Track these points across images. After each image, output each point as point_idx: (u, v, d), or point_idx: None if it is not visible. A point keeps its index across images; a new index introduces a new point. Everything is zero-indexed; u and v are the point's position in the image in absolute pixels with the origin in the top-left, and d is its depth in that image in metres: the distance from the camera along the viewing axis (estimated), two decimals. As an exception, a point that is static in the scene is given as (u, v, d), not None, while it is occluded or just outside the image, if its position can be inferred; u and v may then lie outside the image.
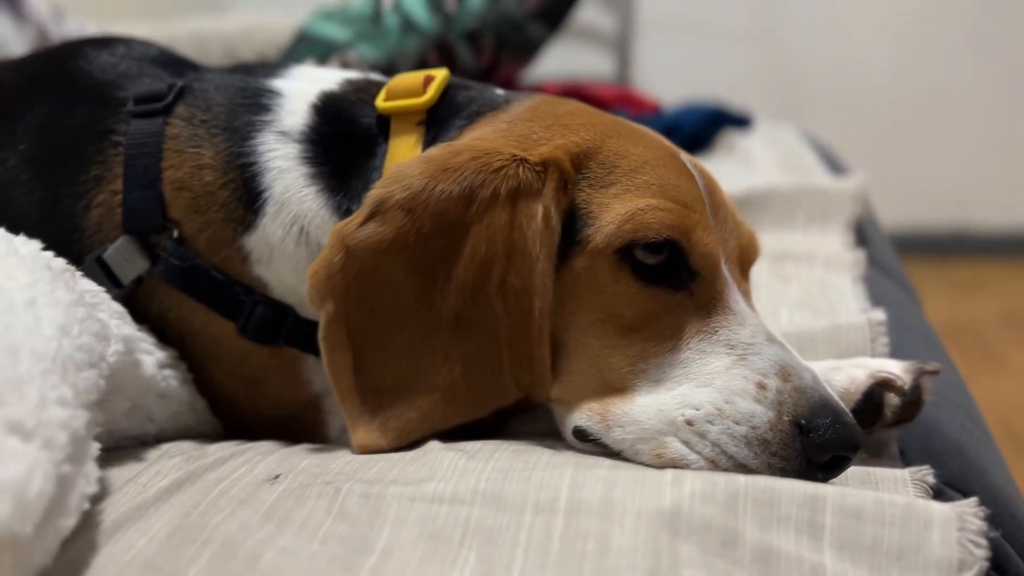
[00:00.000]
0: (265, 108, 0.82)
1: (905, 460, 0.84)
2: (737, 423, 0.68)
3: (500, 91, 0.86)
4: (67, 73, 0.87)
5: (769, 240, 1.29)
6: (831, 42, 4.26)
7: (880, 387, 0.77)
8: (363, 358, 0.74)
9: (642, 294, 0.73)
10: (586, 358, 0.74)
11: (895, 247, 1.68)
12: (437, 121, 0.81)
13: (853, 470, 0.74)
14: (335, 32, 1.95)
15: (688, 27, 4.17)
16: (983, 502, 0.83)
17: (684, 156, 0.80)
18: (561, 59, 3.91)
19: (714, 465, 0.68)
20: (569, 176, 0.74)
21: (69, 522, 0.56)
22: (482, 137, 0.76)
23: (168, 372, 0.79)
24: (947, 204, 4.36)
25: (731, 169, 1.87)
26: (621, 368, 0.72)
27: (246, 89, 0.84)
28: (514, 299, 0.72)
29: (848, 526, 0.59)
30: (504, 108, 0.81)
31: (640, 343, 0.73)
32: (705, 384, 0.71)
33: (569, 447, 0.74)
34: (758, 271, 1.17)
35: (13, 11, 2.46)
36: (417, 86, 0.81)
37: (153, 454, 0.76)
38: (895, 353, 1.01)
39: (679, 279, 0.74)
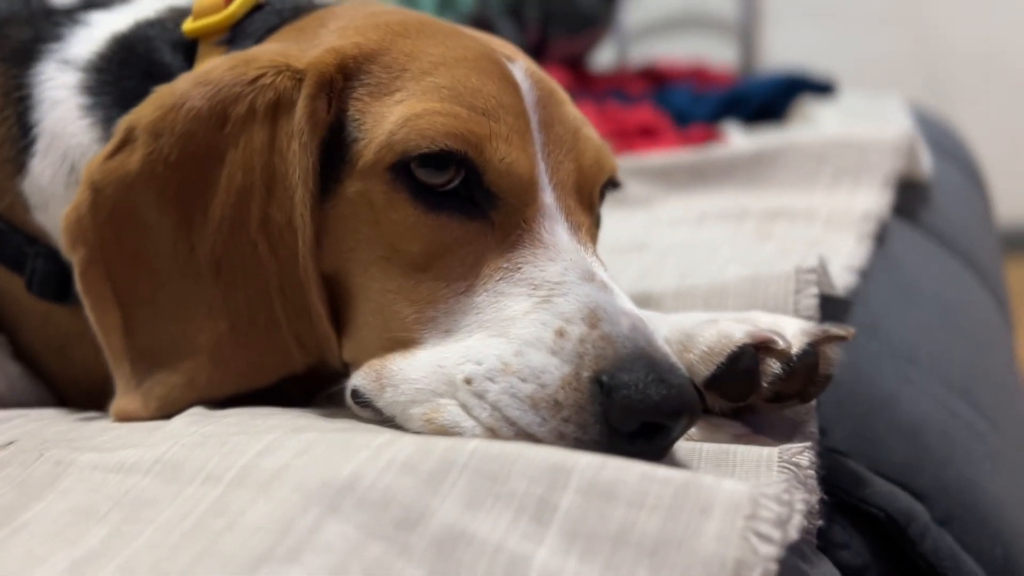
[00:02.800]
0: (57, 37, 0.73)
1: (830, 442, 0.66)
2: (524, 380, 0.53)
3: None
4: None
5: (772, 200, 1.10)
6: (982, 20, 3.81)
7: (758, 349, 0.59)
8: (132, 316, 0.63)
9: (425, 222, 0.58)
10: (370, 307, 0.60)
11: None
12: (239, 39, 0.70)
13: (708, 448, 0.57)
14: (372, 16, 1.88)
15: (819, 9, 3.85)
16: (935, 499, 0.64)
17: (520, 63, 0.65)
18: (681, 48, 3.73)
19: (493, 433, 0.53)
20: (334, 84, 0.60)
21: None
22: (257, 48, 0.64)
23: (-38, 335, 0.71)
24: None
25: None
26: (407, 316, 0.59)
27: (53, 21, 0.75)
28: (279, 238, 0.60)
29: (592, 508, 0.43)
30: (307, 16, 0.69)
31: (429, 285, 0.59)
32: (498, 333, 0.56)
33: (350, 415, 0.61)
34: (739, 232, 0.99)
35: None
36: (219, 3, 0.70)
37: (-71, 420, 0.69)
38: (877, 318, 0.82)
39: (475, 205, 0.59)
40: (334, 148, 0.60)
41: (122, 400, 0.63)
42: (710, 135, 1.42)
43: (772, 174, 1.17)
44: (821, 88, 1.92)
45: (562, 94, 0.66)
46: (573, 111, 0.65)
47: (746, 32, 3.79)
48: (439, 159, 0.58)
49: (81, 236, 0.62)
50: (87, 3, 0.80)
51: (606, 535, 0.43)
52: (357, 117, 0.60)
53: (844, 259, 0.90)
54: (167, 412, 0.62)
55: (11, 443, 0.61)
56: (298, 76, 0.60)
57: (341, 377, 0.65)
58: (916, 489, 0.63)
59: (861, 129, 1.29)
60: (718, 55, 3.82)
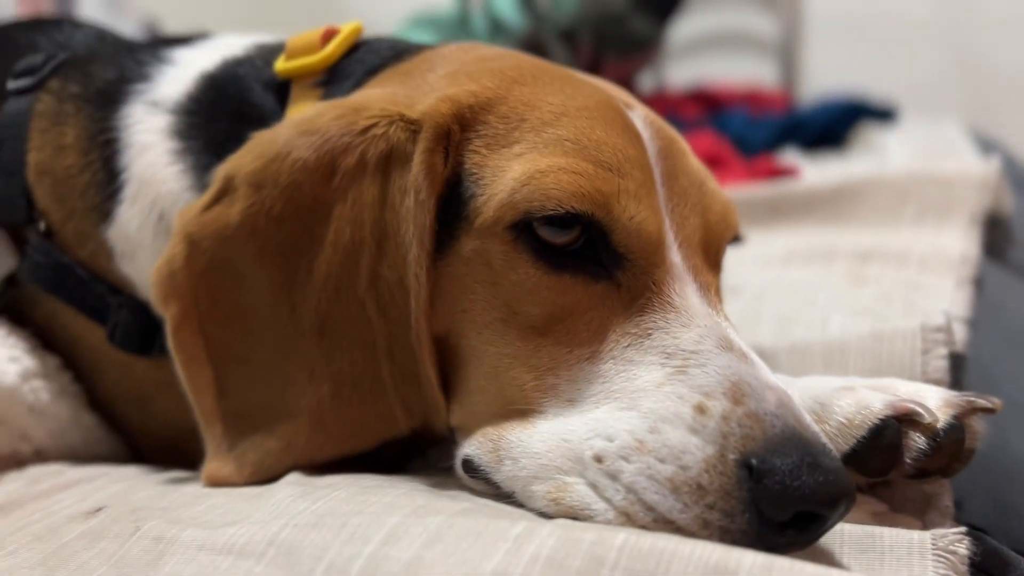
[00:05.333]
0: (144, 77, 0.70)
1: (965, 516, 0.61)
2: (662, 461, 0.49)
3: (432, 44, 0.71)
4: None
5: (859, 238, 1.06)
6: (1028, 39, 3.75)
7: (901, 422, 0.55)
8: (225, 375, 0.60)
9: (547, 283, 0.55)
10: (484, 371, 0.56)
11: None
12: (337, 80, 0.67)
13: (850, 530, 0.52)
14: (424, 38, 1.85)
15: (862, 26, 3.79)
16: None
17: (638, 111, 0.61)
18: (720, 67, 3.69)
19: (627, 518, 0.49)
20: (452, 136, 0.56)
21: None
22: (363, 93, 0.61)
23: (38, 384, 0.68)
24: None
25: (861, 167, 1.62)
26: (525, 383, 0.55)
27: (136, 59, 0.72)
28: (389, 297, 0.56)
29: (765, 619, 0.39)
30: (410, 58, 0.65)
31: (550, 350, 0.55)
32: (628, 406, 0.52)
33: (459, 486, 0.57)
34: (831, 274, 0.95)
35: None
36: (314, 43, 0.67)
37: (8, 477, 0.66)
38: (991, 372, 0.77)
39: (600, 265, 0.55)
40: (449, 203, 0.56)
41: (213, 463, 0.59)
42: (779, 168, 1.38)
43: (853, 209, 1.13)
44: (881, 114, 1.88)
45: (683, 144, 0.62)
46: (696, 163, 0.61)
47: (787, 51, 3.74)
48: (565, 219, 0.54)
49: (174, 291, 0.59)
50: (168, 39, 0.77)
51: (782, 649, 0.39)
52: (474, 171, 0.56)
53: (947, 307, 0.85)
54: (262, 478, 0.58)
55: (100, 509, 0.57)
56: (412, 127, 0.56)
57: (439, 439, 0.61)
58: (1062, 570, 0.59)
59: (944, 163, 1.25)
60: (758, 74, 3.77)
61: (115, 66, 0.72)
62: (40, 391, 0.68)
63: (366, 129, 0.56)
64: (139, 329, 0.67)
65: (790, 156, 1.72)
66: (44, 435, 0.70)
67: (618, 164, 0.55)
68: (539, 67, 0.62)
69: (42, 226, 0.69)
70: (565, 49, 1.84)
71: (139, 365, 0.69)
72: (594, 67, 1.94)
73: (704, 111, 1.96)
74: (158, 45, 0.75)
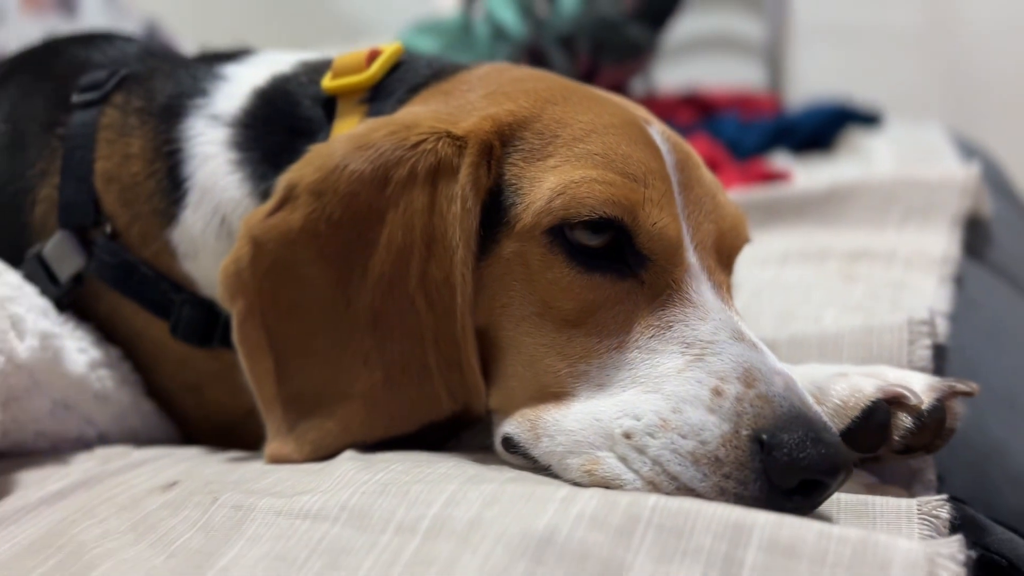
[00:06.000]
0: (202, 92, 0.77)
1: (946, 490, 0.68)
2: (683, 436, 0.56)
3: (465, 63, 0.78)
4: (36, 68, 0.86)
5: (849, 239, 1.13)
6: (1015, 39, 3.83)
7: (890, 403, 0.62)
8: (285, 363, 0.66)
9: (580, 282, 0.62)
10: (521, 359, 0.63)
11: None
12: (381, 97, 0.73)
13: (846, 499, 0.59)
14: (427, 45, 1.92)
15: (847, 31, 3.88)
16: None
17: (656, 127, 0.68)
18: (708, 70, 3.77)
19: (653, 487, 0.56)
20: (493, 150, 0.64)
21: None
22: (410, 111, 0.68)
23: (104, 372, 0.75)
24: None
25: (848, 170, 1.70)
26: (559, 370, 0.62)
27: (192, 74, 0.79)
28: (436, 294, 0.63)
29: (776, 565, 0.46)
30: (448, 78, 0.72)
31: (581, 340, 0.62)
32: (653, 389, 0.59)
33: (499, 461, 0.64)
34: (824, 272, 1.02)
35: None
36: (360, 62, 0.74)
37: (80, 457, 0.73)
38: (972, 363, 0.85)
39: (626, 264, 0.62)
40: (490, 210, 0.63)
41: (274, 443, 0.66)
42: (772, 172, 1.45)
43: (843, 211, 1.20)
44: (867, 119, 1.96)
45: (696, 157, 0.69)
46: (709, 175, 0.68)
47: (773, 54, 3.82)
48: (596, 224, 0.61)
49: (241, 288, 0.65)
50: (215, 55, 0.84)
51: (793, 591, 0.45)
52: (513, 181, 0.63)
53: (930, 303, 0.92)
54: (319, 456, 0.65)
55: (175, 483, 0.64)
56: (458, 143, 0.63)
57: (474, 422, 0.68)
58: (1031, 536, 0.66)
59: (928, 168, 1.32)
60: (745, 77, 3.85)
61: (174, 82, 0.78)
62: (105, 379, 0.75)
63: (416, 144, 0.63)
64: (200, 323, 0.74)
65: (781, 159, 1.79)
66: (107, 419, 0.76)
67: (643, 175, 0.62)
68: (568, 87, 0.69)
69: (108, 228, 0.75)
70: (564, 55, 1.91)
71: (197, 356, 0.75)
72: (591, 72, 2.01)
73: (697, 115, 2.04)
74: (209, 61, 0.82)
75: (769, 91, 3.70)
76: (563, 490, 0.52)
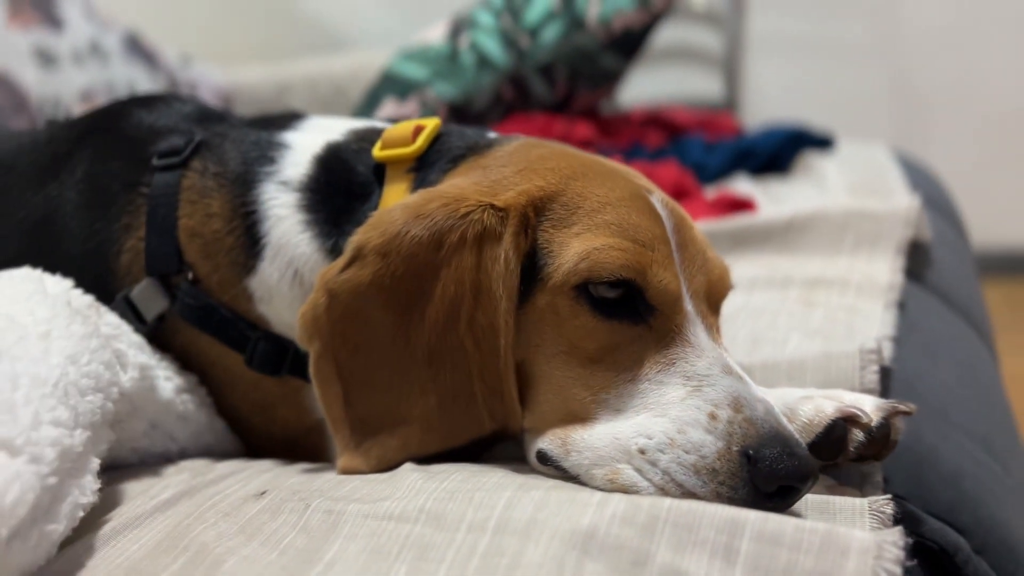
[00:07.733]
0: (270, 160, 0.90)
1: (890, 489, 0.84)
2: (687, 452, 0.71)
3: (491, 134, 0.92)
4: (108, 131, 0.99)
5: (809, 267, 1.29)
6: (956, 53, 4.03)
7: (846, 421, 0.77)
8: (351, 391, 0.80)
9: (601, 327, 0.76)
10: (552, 389, 0.78)
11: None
12: (425, 167, 0.87)
13: (812, 499, 0.75)
14: (415, 71, 2.05)
15: (800, 44, 4.06)
16: (973, 533, 0.83)
17: (656, 196, 0.83)
18: (666, 81, 3.93)
19: (663, 492, 0.71)
20: (529, 220, 0.78)
21: (58, 527, 0.65)
22: (455, 184, 0.82)
23: (186, 397, 0.88)
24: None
25: (804, 192, 1.86)
26: (584, 398, 0.76)
27: (257, 142, 0.93)
28: (482, 335, 0.77)
29: (764, 551, 0.61)
30: (484, 153, 0.86)
31: (602, 374, 0.76)
32: (660, 414, 0.73)
33: (532, 471, 0.78)
34: (787, 299, 1.18)
35: (148, 63, 2.73)
36: (407, 136, 0.87)
37: (170, 470, 0.85)
38: (912, 380, 1.01)
39: (637, 313, 0.77)
40: (526, 269, 0.78)
41: (344, 458, 0.80)
42: (738, 201, 1.61)
43: (801, 239, 1.36)
44: (821, 142, 2.13)
45: (689, 219, 0.84)
46: (699, 234, 0.83)
47: (730, 66, 3.99)
48: (614, 283, 0.75)
49: (317, 331, 0.79)
50: (270, 119, 0.97)
51: (776, 570, 0.60)
52: (545, 245, 0.78)
53: (878, 329, 1.08)
54: (383, 467, 0.79)
55: (264, 492, 0.77)
56: (500, 213, 0.77)
57: (508, 438, 0.82)
58: (959, 526, 0.82)
59: (876, 201, 1.49)
60: (702, 88, 4.03)
61: (243, 150, 0.92)
62: (187, 402, 0.88)
63: (466, 214, 0.77)
64: (272, 356, 0.87)
65: (742, 182, 1.95)
66: (187, 437, 0.89)
67: (650, 241, 0.77)
68: (585, 164, 0.84)
69: (191, 275, 0.88)
70: (543, 82, 2.05)
71: (267, 382, 0.89)
72: (568, 97, 2.16)
73: (666, 137, 2.19)
74: (266, 127, 0.95)
75: (726, 103, 3.87)
76: (596, 496, 0.67)
